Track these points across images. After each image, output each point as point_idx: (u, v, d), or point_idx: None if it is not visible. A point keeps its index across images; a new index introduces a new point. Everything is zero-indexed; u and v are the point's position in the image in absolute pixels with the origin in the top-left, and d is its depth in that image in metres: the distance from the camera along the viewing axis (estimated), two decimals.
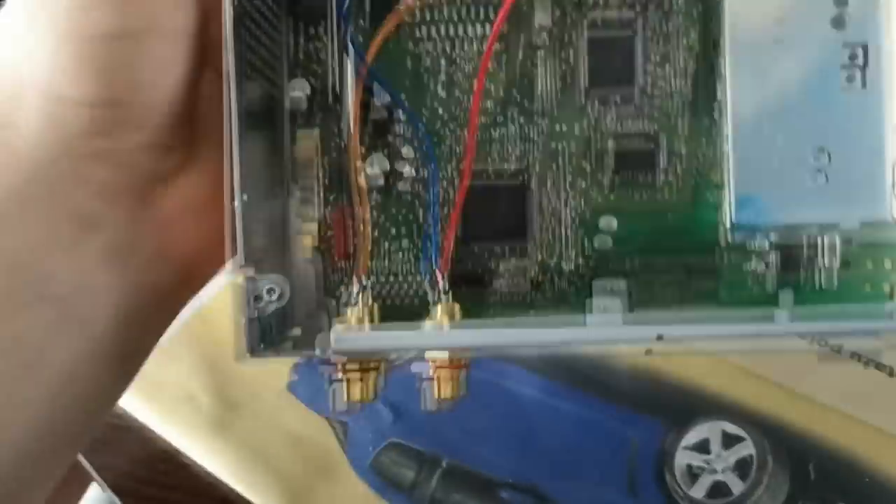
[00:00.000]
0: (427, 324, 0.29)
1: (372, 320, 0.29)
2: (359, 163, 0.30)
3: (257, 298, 0.28)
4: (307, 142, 0.31)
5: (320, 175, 0.31)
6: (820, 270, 0.30)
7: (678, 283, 0.31)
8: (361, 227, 0.31)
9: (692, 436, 0.45)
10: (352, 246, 0.31)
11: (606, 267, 0.31)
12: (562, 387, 0.46)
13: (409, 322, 0.29)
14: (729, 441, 0.45)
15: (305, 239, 0.31)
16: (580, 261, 0.31)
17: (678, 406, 0.46)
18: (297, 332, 0.30)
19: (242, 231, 0.27)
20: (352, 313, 0.29)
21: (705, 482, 0.44)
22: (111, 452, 0.46)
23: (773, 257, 0.30)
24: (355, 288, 0.30)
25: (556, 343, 0.28)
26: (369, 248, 0.30)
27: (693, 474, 0.44)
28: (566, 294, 0.31)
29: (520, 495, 0.45)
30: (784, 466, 0.44)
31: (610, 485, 0.45)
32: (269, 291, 0.28)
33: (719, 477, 0.44)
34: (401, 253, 0.31)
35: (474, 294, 0.31)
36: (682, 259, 0.30)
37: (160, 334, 0.30)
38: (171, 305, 0.29)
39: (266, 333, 0.28)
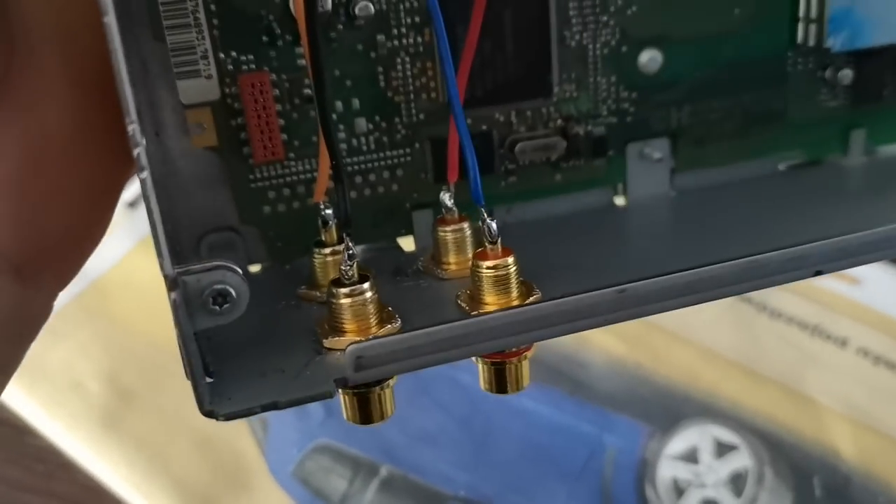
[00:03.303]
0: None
1: (363, 280, 0.21)
2: None
3: (201, 312, 0.19)
4: None
5: (205, 4, 0.22)
6: None
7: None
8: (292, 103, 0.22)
9: (678, 442, 0.41)
10: (278, 136, 0.23)
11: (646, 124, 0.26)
12: None
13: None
14: (721, 449, 0.41)
15: (196, 139, 0.23)
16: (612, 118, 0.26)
17: (662, 406, 0.42)
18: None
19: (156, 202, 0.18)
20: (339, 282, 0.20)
21: (693, 499, 0.40)
22: None
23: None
24: (325, 219, 0.22)
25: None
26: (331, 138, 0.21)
27: (679, 489, 0.41)
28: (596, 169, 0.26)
29: None
30: (785, 481, 0.40)
31: (580, 501, 0.40)
32: (218, 297, 0.19)
33: (709, 492, 0.40)
34: (365, 137, 0.24)
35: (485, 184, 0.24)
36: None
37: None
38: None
39: (228, 374, 0.20)
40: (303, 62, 0.23)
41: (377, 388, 0.21)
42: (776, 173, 0.28)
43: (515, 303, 0.21)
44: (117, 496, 0.39)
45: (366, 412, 0.21)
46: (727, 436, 0.41)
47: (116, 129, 0.20)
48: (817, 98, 0.28)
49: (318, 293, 0.23)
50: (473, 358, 0.23)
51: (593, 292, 0.20)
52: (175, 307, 0.18)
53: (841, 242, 0.21)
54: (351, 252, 0.20)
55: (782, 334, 0.44)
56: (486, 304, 0.21)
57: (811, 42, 0.26)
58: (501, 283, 0.21)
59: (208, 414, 0.19)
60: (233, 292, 0.19)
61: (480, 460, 0.40)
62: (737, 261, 0.20)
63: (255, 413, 0.19)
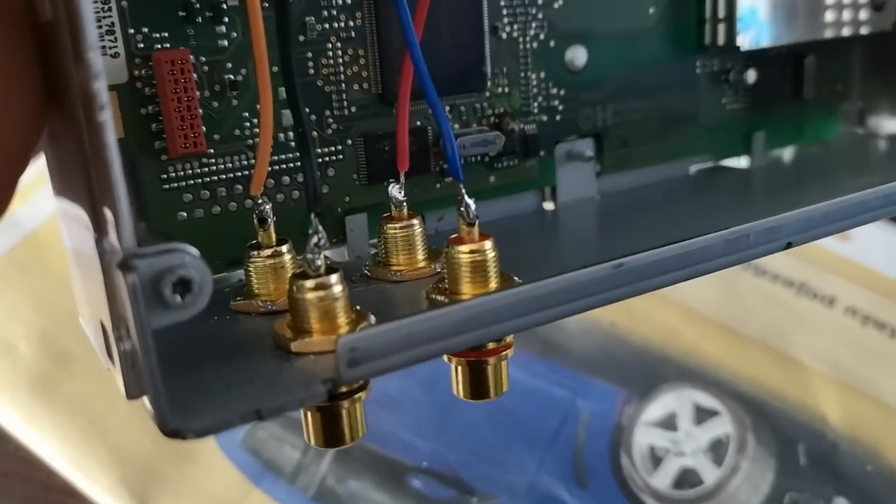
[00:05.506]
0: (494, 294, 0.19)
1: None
2: None
3: (155, 306, 0.16)
4: None
5: None
6: None
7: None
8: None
9: (655, 408, 0.39)
10: (200, 125, 0.20)
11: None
12: None
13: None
14: (701, 415, 0.39)
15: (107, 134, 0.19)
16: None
17: (639, 370, 0.40)
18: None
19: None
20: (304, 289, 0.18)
21: (670, 468, 0.38)
22: None
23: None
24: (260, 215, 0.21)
25: None
26: (271, 120, 0.19)
27: (655, 457, 0.39)
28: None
29: (436, 485, 0.37)
30: (768, 449, 0.38)
31: (551, 472, 0.38)
32: (178, 285, 0.16)
33: (688, 461, 0.38)
34: (292, 132, 0.22)
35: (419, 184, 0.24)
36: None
37: None
38: None
39: (185, 389, 0.17)
40: (224, 43, 0.21)
41: (346, 403, 0.19)
42: (686, 176, 0.29)
43: None
44: (50, 467, 0.37)
45: (334, 432, 0.19)
46: (707, 401, 0.39)
47: (28, 73, 0.17)
48: (721, 101, 0.29)
49: (257, 303, 0.20)
50: (446, 358, 0.21)
51: (591, 267, 0.19)
52: (133, 292, 0.15)
53: (807, 213, 0.21)
54: (320, 237, 0.18)
55: (767, 292, 0.41)
56: (464, 294, 0.19)
57: (721, 41, 0.27)
58: (480, 270, 0.19)
59: (173, 434, 0.15)
60: (197, 277, 0.16)
61: (445, 427, 0.38)
62: (723, 231, 0.20)
63: (234, 426, 0.16)
